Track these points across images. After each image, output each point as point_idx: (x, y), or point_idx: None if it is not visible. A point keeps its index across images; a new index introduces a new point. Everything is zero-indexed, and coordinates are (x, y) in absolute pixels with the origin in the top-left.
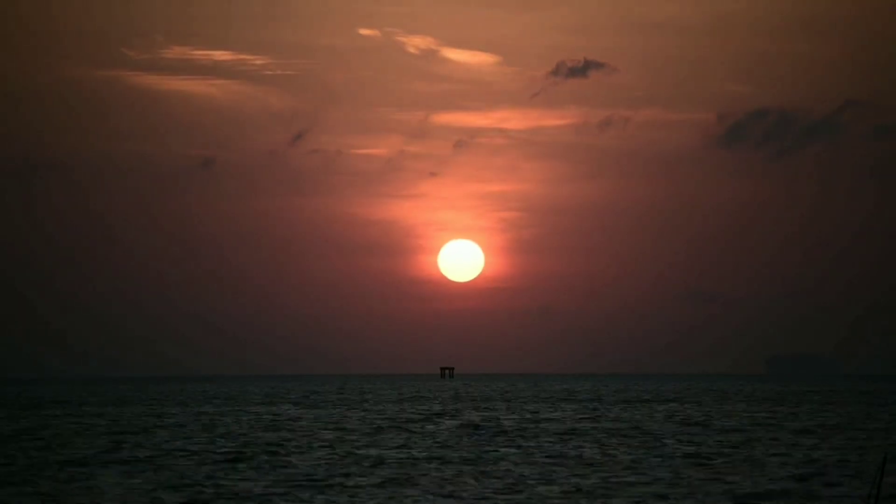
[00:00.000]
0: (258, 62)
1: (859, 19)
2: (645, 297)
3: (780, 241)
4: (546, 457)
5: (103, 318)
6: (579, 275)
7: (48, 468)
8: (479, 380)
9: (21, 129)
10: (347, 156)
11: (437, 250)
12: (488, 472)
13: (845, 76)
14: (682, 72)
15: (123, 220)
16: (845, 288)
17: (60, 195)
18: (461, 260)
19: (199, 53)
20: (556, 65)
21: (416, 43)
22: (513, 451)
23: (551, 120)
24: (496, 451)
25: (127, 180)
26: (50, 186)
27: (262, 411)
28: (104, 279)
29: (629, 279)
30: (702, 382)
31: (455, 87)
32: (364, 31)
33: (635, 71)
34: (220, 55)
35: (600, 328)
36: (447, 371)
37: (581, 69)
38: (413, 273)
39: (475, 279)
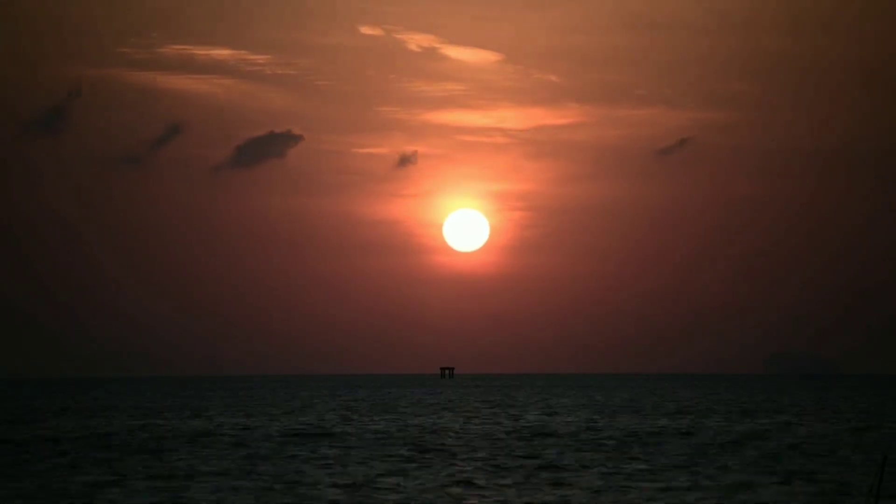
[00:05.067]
0: (259, 60)
1: (864, 18)
2: (644, 297)
3: (780, 239)
4: None
5: (96, 317)
6: (581, 275)
7: None
8: (480, 380)
9: (17, 128)
10: (348, 155)
11: (437, 250)
12: None
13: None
14: (684, 70)
15: (118, 217)
16: (843, 286)
17: (61, 191)
18: (466, 228)
19: (199, 52)
20: (558, 63)
21: (417, 41)
22: None
23: (554, 119)
24: None
25: (125, 179)
26: (52, 183)
27: None
28: (104, 278)
29: (629, 278)
30: (709, 381)
31: (457, 85)
32: (365, 29)
33: (638, 69)
34: (220, 53)
35: (601, 328)
36: (447, 371)
37: (584, 67)
38: (414, 273)
39: (480, 249)
